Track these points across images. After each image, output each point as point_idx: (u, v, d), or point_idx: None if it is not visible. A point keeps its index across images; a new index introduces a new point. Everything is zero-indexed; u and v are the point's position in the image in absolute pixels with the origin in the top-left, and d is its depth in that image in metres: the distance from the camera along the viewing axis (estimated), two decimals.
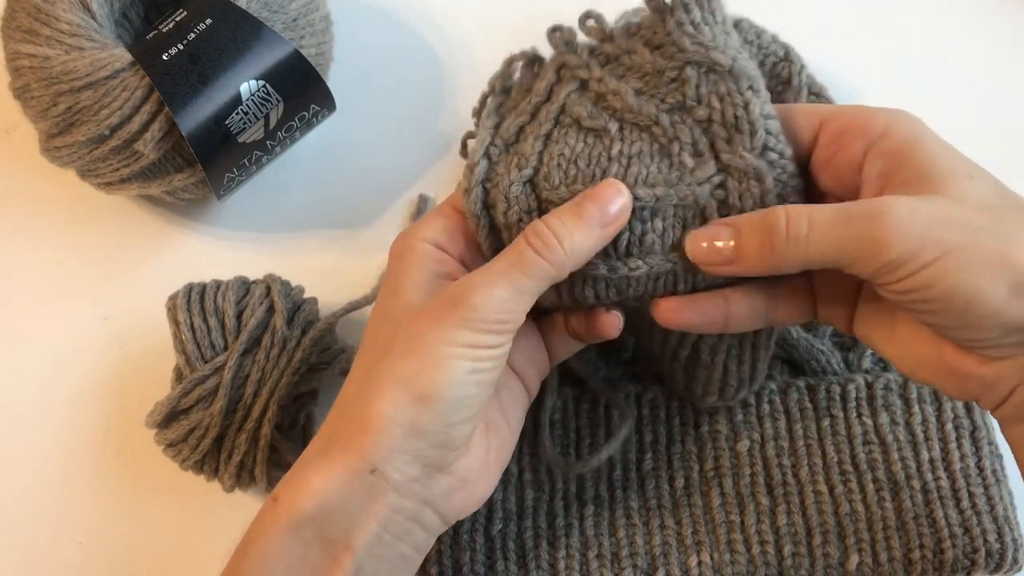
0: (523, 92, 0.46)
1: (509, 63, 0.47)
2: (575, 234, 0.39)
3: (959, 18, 0.62)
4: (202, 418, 0.48)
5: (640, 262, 0.41)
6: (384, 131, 0.60)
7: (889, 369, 0.51)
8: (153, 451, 0.50)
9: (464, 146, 0.50)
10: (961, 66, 0.61)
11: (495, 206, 0.42)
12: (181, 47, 0.51)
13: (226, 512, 0.52)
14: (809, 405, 0.50)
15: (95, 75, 0.50)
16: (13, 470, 0.53)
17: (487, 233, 0.42)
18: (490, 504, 0.49)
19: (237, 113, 0.51)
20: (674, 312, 0.42)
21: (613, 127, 0.42)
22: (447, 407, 0.39)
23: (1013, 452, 0.41)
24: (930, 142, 0.39)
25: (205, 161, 0.51)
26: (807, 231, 0.38)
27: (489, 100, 0.47)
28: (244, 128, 0.52)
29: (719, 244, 0.40)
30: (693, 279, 0.42)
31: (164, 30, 0.52)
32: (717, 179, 0.41)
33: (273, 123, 0.53)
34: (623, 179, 0.41)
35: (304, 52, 0.53)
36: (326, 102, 0.55)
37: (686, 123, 0.42)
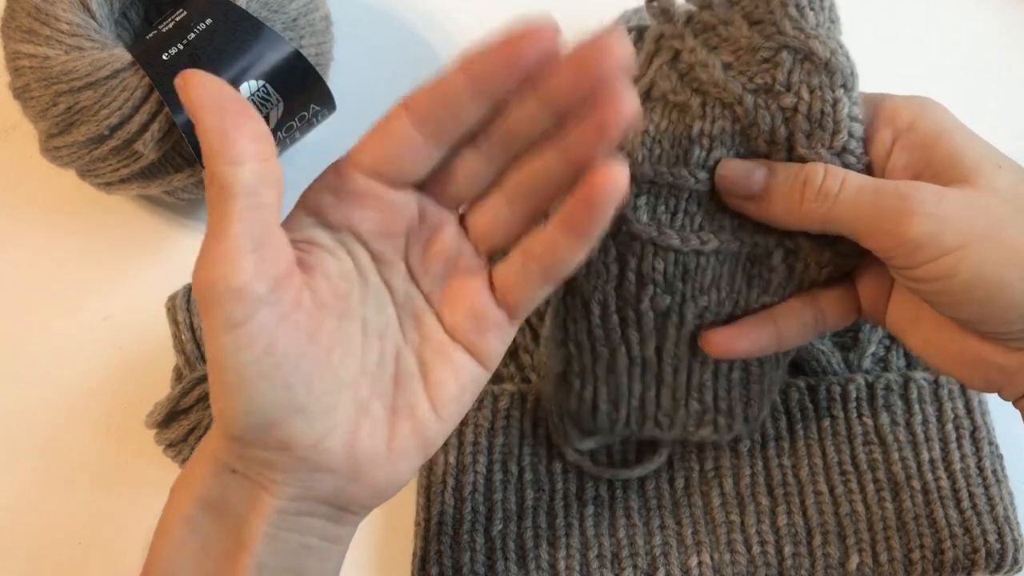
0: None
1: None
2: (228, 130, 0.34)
3: (959, 18, 0.62)
4: (202, 418, 0.48)
5: (711, 236, 0.41)
6: None
7: (889, 369, 0.51)
8: (153, 451, 0.50)
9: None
10: (961, 66, 0.61)
11: None
12: (181, 47, 0.51)
13: None
14: (809, 405, 0.50)
15: (95, 75, 0.50)
16: (13, 470, 0.53)
17: None
18: (490, 504, 0.49)
19: None
20: (726, 341, 0.42)
21: (695, 103, 0.41)
22: (243, 415, 0.34)
23: None
24: (956, 133, 0.39)
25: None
26: (838, 190, 0.38)
27: None
28: None
29: (750, 177, 0.40)
30: (745, 301, 0.42)
31: (164, 30, 0.52)
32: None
33: (273, 123, 0.53)
34: (704, 162, 0.41)
35: (304, 52, 0.53)
36: (326, 102, 0.55)
37: (769, 108, 0.40)
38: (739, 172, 0.40)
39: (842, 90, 0.40)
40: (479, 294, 0.38)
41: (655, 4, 0.43)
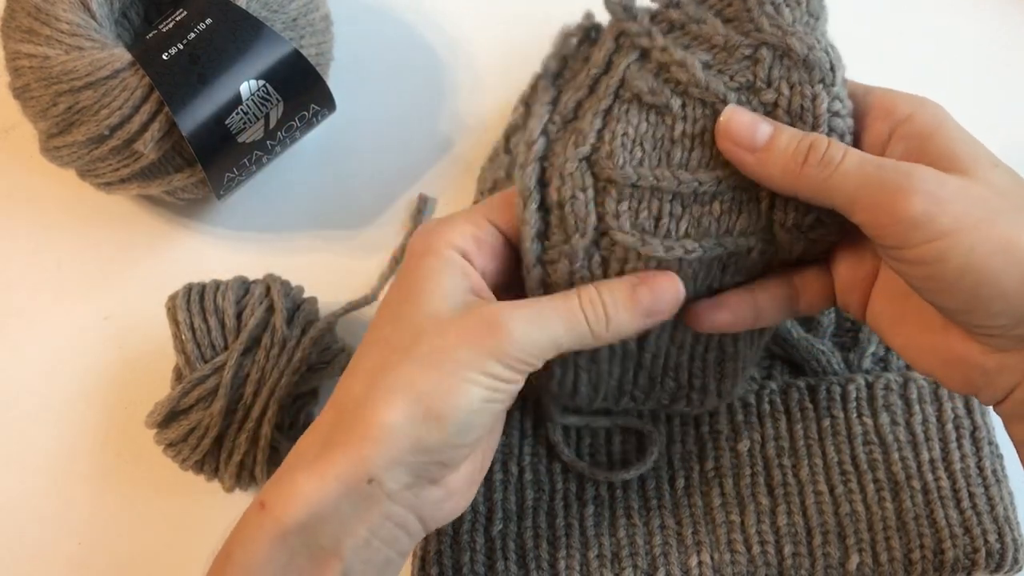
0: (581, 63, 0.45)
1: (565, 36, 0.45)
2: (622, 314, 0.40)
3: (959, 18, 0.62)
4: (202, 418, 0.48)
5: (696, 244, 0.41)
6: (384, 131, 0.60)
7: (889, 369, 0.51)
8: (153, 451, 0.50)
9: (507, 139, 0.48)
10: (961, 66, 0.61)
11: (550, 183, 0.42)
12: (181, 47, 0.51)
13: (226, 512, 0.51)
14: (809, 405, 0.50)
15: (95, 75, 0.50)
16: (13, 470, 0.53)
17: (535, 211, 0.42)
18: (490, 504, 0.49)
19: (237, 113, 0.51)
20: (707, 312, 0.43)
21: (676, 104, 0.41)
22: (456, 430, 0.38)
23: (1017, 451, 0.41)
24: (953, 129, 0.40)
25: (205, 161, 0.51)
26: (840, 160, 0.38)
27: (541, 81, 0.45)
28: (244, 128, 0.52)
29: (755, 128, 0.40)
30: (719, 284, 0.42)
31: (164, 30, 0.52)
32: None
33: (273, 123, 0.53)
34: (687, 163, 0.41)
35: (304, 52, 0.53)
36: (326, 102, 0.55)
37: (752, 104, 0.41)
38: (745, 120, 0.40)
39: (820, 85, 0.40)
40: None
41: (616, 0, 0.43)
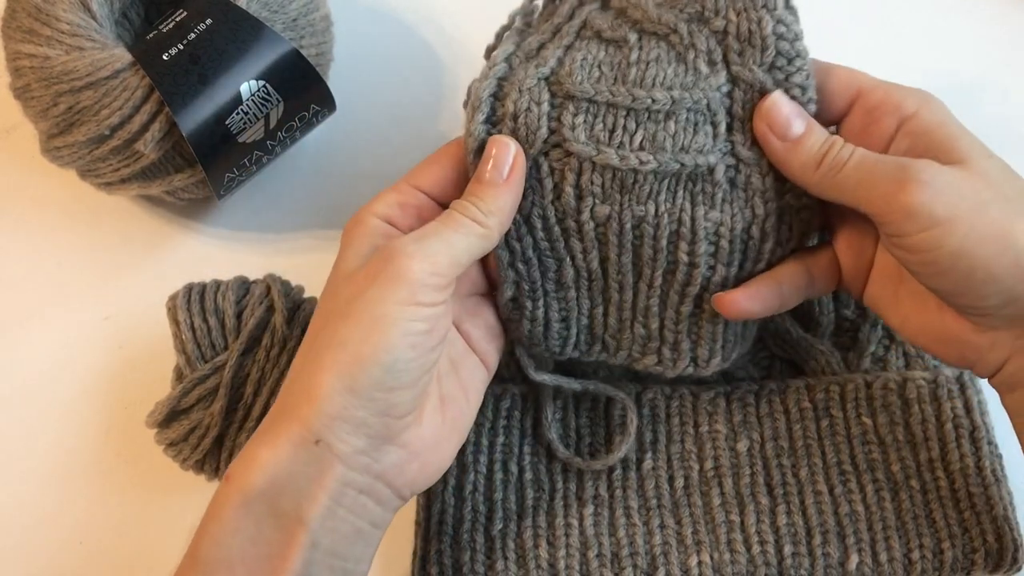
0: (546, 17, 0.47)
1: None
2: (484, 190, 0.43)
3: (959, 18, 0.62)
4: (202, 418, 0.48)
5: (651, 157, 0.43)
6: (384, 131, 0.60)
7: (888, 370, 0.51)
8: (153, 451, 0.50)
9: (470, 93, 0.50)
10: (961, 66, 0.61)
11: (506, 97, 0.44)
12: (181, 47, 0.51)
13: None
14: (808, 405, 0.50)
15: (95, 75, 0.50)
16: (13, 470, 0.53)
17: (480, 123, 0.44)
18: (490, 504, 0.49)
19: (237, 113, 0.51)
20: (736, 302, 0.45)
21: (632, 37, 0.44)
22: (381, 370, 0.39)
23: (1012, 421, 0.44)
24: (954, 125, 0.43)
25: (205, 161, 0.51)
26: (846, 160, 0.42)
27: (506, 32, 0.48)
28: (244, 128, 0.52)
29: (791, 121, 0.43)
30: (691, 219, 0.44)
31: (164, 30, 0.52)
32: (726, 88, 0.44)
33: (273, 123, 0.53)
34: (641, 80, 0.44)
35: (304, 52, 0.53)
36: (326, 102, 0.55)
37: (702, 33, 0.44)
38: (785, 111, 0.43)
39: (764, 10, 0.43)
40: (491, 313, 0.48)
41: None
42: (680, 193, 0.44)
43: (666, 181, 0.44)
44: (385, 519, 0.41)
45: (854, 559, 0.47)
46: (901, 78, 0.60)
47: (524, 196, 0.44)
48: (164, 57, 0.51)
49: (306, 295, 0.53)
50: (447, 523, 0.48)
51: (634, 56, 0.44)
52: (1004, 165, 0.42)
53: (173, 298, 0.51)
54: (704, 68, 0.44)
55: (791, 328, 0.51)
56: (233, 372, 0.48)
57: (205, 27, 0.51)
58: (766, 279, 0.45)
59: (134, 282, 0.57)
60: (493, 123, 0.44)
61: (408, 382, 0.40)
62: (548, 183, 0.44)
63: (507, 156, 0.43)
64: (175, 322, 0.50)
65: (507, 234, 0.45)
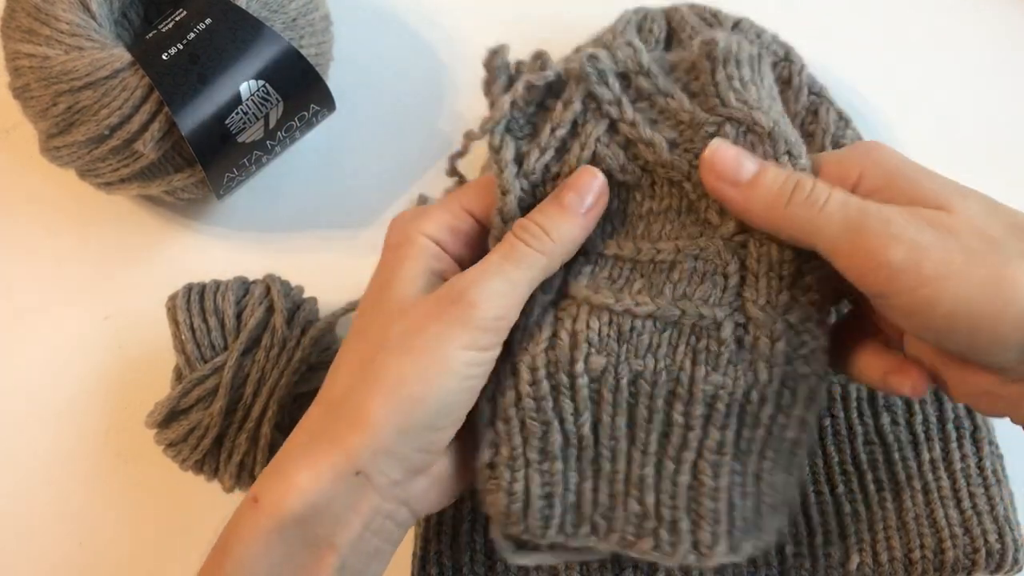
0: (542, 113, 0.44)
1: (528, 87, 0.43)
2: (557, 221, 0.41)
3: (959, 18, 0.62)
4: (202, 418, 0.48)
5: (649, 300, 0.41)
6: (384, 131, 0.60)
7: None
8: (153, 451, 0.50)
9: (452, 164, 0.46)
10: (961, 66, 0.61)
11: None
12: (181, 47, 0.51)
13: (226, 512, 0.51)
14: None
15: (95, 75, 0.50)
16: (13, 470, 0.53)
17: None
18: None
19: (237, 113, 0.51)
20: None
21: (645, 182, 0.43)
22: (434, 412, 0.38)
23: None
24: (908, 169, 0.39)
25: (205, 161, 0.51)
26: (824, 200, 0.38)
27: (499, 126, 0.43)
28: (244, 128, 0.52)
29: (740, 164, 0.40)
30: (689, 379, 0.40)
31: (164, 30, 0.52)
32: (739, 238, 0.41)
33: (273, 123, 0.53)
34: (647, 234, 0.42)
35: (304, 52, 0.53)
36: (326, 102, 0.55)
37: None
38: (730, 155, 0.40)
39: (786, 156, 0.41)
40: None
41: (592, 67, 0.42)
42: (681, 348, 0.40)
43: (666, 333, 0.41)
44: (401, 537, 0.41)
45: (855, 559, 0.46)
46: (901, 78, 0.60)
47: (515, 341, 0.41)
48: (163, 57, 0.51)
49: (306, 295, 0.53)
50: (447, 523, 0.48)
51: (646, 207, 0.43)
52: (984, 199, 0.38)
53: (173, 298, 0.51)
54: (715, 218, 0.41)
55: None
56: (233, 372, 0.48)
57: (204, 27, 0.51)
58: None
59: (134, 282, 0.57)
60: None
61: (453, 422, 0.40)
62: (547, 331, 0.41)
63: (592, 185, 0.41)
64: (175, 322, 0.50)
65: (491, 387, 0.41)
